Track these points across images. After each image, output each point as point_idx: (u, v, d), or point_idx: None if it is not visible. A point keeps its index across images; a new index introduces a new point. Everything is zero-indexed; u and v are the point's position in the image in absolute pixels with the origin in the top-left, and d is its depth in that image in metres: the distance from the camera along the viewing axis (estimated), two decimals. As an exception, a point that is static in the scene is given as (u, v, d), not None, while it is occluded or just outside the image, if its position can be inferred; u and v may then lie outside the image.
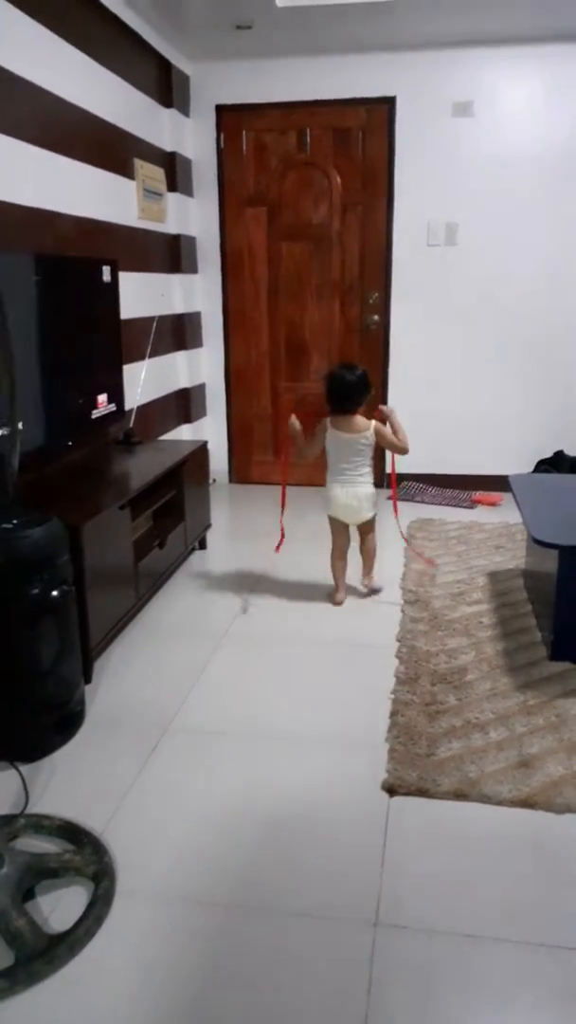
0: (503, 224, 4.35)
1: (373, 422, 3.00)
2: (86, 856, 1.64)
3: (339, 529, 3.12)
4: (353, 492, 3.02)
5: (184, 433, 4.61)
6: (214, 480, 4.99)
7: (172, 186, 4.27)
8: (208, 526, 3.74)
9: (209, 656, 2.65)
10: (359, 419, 2.99)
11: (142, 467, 3.14)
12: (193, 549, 3.67)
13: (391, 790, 1.94)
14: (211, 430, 4.95)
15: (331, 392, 3.00)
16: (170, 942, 1.50)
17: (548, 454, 4.55)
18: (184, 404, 4.60)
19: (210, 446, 4.92)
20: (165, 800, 1.91)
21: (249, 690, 2.44)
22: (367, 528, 3.14)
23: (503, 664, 2.55)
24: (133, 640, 2.77)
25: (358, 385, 2.95)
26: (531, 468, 4.55)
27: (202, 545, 3.74)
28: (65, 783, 1.97)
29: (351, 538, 3.17)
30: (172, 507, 3.29)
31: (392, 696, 2.37)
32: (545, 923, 1.54)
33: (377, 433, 2.98)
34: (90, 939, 1.48)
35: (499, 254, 4.39)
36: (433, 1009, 1.36)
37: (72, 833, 1.73)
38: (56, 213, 3.03)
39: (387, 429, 3.01)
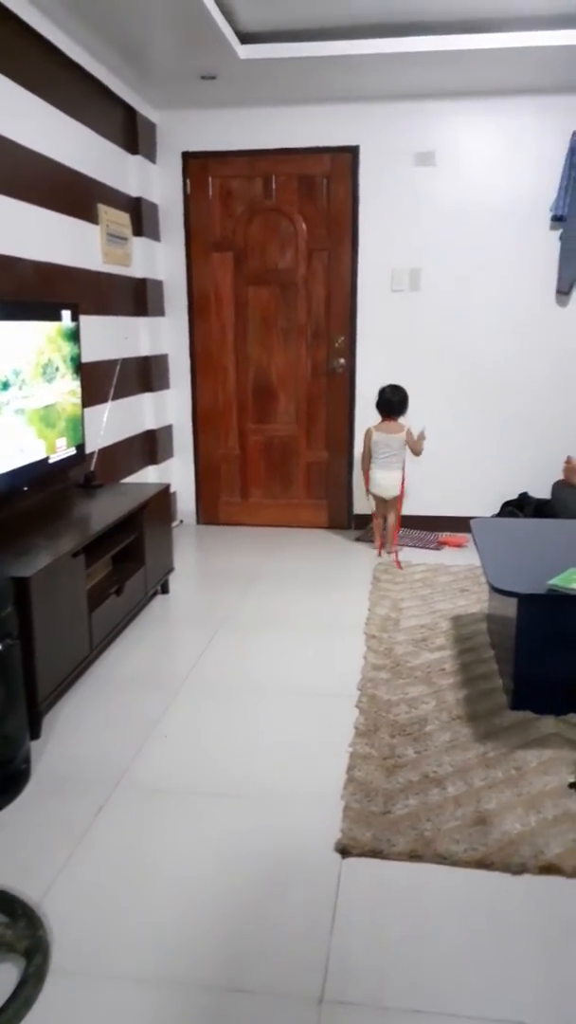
0: (465, 271, 4.41)
1: (407, 426, 4.21)
2: (19, 930, 1.56)
3: (378, 501, 4.32)
4: (386, 475, 4.21)
5: (150, 474, 4.57)
6: (181, 521, 4.97)
7: (138, 231, 4.29)
8: (170, 570, 3.69)
9: (165, 708, 2.58)
10: (396, 424, 4.22)
11: (101, 512, 3.09)
12: (155, 593, 3.61)
13: (344, 851, 1.87)
14: (179, 471, 4.92)
15: (380, 404, 4.23)
16: (104, 1024, 1.42)
17: (513, 496, 4.56)
18: (150, 445, 4.57)
19: (178, 487, 4.94)
20: (108, 867, 1.83)
21: (204, 744, 2.37)
22: (392, 504, 4.28)
23: (464, 713, 2.51)
24: (87, 692, 2.70)
25: (399, 402, 4.20)
26: (497, 509, 4.56)
27: (164, 589, 3.68)
28: (3, 848, 1.89)
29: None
30: (131, 552, 3.23)
31: (350, 749, 2.31)
32: (497, 995, 1.48)
33: (407, 434, 4.19)
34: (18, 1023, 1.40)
35: (462, 300, 4.45)
36: None
37: (6, 903, 1.65)
38: (16, 258, 3.02)
39: (413, 436, 4.22)
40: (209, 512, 4.99)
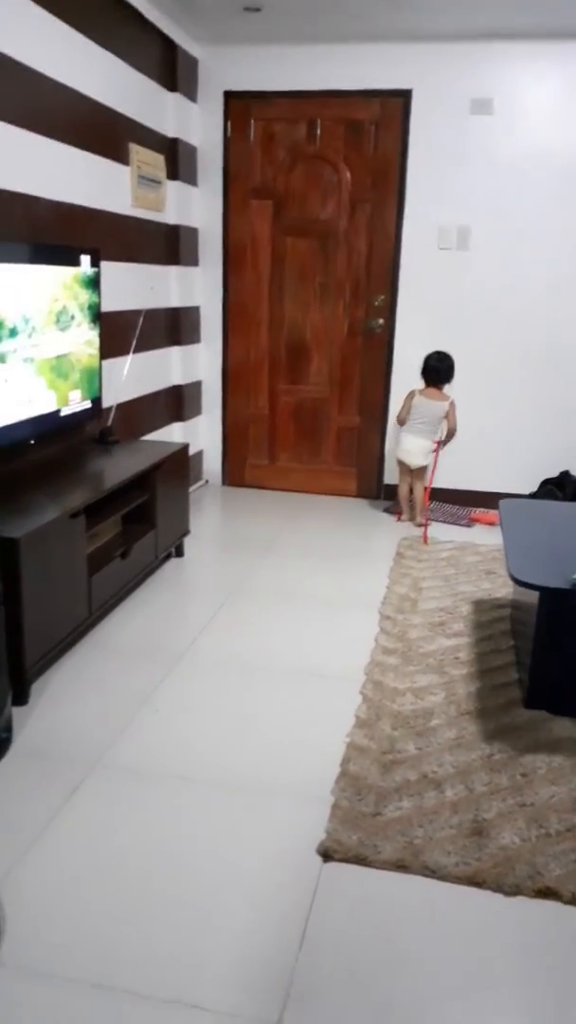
0: (519, 230, 4.12)
1: (451, 398, 4.01)
2: (-32, 918, 1.48)
3: (404, 468, 4.12)
4: (416, 441, 4.03)
5: (175, 432, 4.44)
6: (207, 481, 4.84)
7: (173, 174, 4.08)
8: (186, 533, 3.57)
9: (160, 681, 2.48)
10: (441, 393, 4.02)
11: (112, 470, 2.97)
12: (169, 555, 3.50)
13: (326, 854, 1.75)
14: (206, 430, 4.78)
15: (426, 371, 4.04)
16: (46, 1028, 1.33)
17: (554, 474, 4.32)
18: (177, 402, 4.43)
19: (204, 446, 4.80)
20: (75, 853, 1.74)
21: (194, 724, 2.26)
22: (418, 475, 4.11)
23: (473, 709, 2.36)
24: (83, 658, 2.60)
25: (447, 370, 4.01)
26: (535, 487, 4.33)
27: (179, 552, 3.57)
28: (-28, 822, 1.81)
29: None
30: (142, 513, 3.11)
31: (347, 739, 2.18)
32: (473, 1034, 1.35)
33: (451, 406, 4.00)
34: (-46, 1021, 1.32)
35: (513, 262, 4.17)
36: None
37: (-38, 886, 1.57)
38: (34, 197, 2.86)
39: (455, 412, 4.02)
40: (235, 473, 4.85)
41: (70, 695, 2.38)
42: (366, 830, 1.82)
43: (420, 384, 4.07)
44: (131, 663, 2.58)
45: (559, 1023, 1.38)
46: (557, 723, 2.27)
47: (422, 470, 4.11)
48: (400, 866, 1.72)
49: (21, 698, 2.25)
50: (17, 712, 2.21)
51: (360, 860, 1.74)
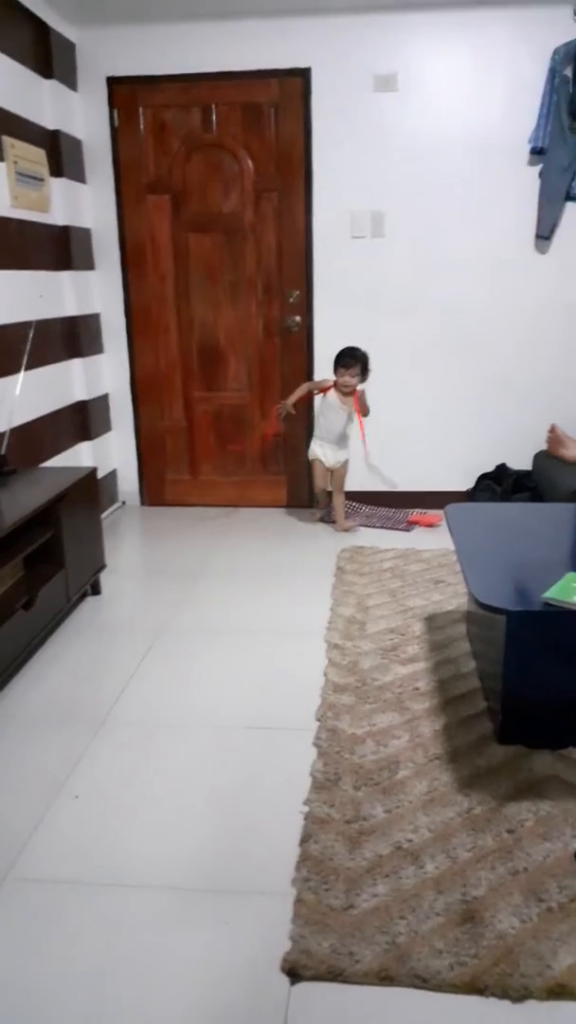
0: (434, 213, 3.88)
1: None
2: None
3: (321, 470, 3.98)
4: (324, 447, 3.94)
5: (83, 452, 4.04)
6: (123, 503, 4.46)
7: (57, 170, 3.68)
8: (101, 567, 3.19)
9: (80, 756, 2.11)
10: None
11: (7, 506, 2.57)
12: (85, 595, 3.13)
13: (293, 972, 1.43)
14: (118, 447, 4.39)
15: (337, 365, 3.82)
16: None
17: (490, 467, 4.12)
18: (82, 419, 4.03)
19: (118, 465, 4.42)
20: (-20, 1009, 1.38)
21: (122, 807, 1.91)
22: (339, 477, 3.99)
23: (443, 751, 2.08)
24: (-13, 734, 2.22)
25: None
26: (472, 483, 4.11)
27: (96, 590, 3.19)
28: None
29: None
30: (47, 553, 2.73)
31: (305, 809, 1.87)
32: None
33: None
34: None
35: (433, 246, 3.93)
36: None
37: None
38: None
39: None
40: (154, 492, 4.47)
41: (-29, 787, 1.99)
42: (339, 931, 1.51)
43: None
44: (43, 736, 2.20)
45: None
46: (537, 759, 2.02)
47: (342, 473, 3.97)
48: (384, 978, 1.42)
49: None
50: None
51: (336, 975, 1.43)
